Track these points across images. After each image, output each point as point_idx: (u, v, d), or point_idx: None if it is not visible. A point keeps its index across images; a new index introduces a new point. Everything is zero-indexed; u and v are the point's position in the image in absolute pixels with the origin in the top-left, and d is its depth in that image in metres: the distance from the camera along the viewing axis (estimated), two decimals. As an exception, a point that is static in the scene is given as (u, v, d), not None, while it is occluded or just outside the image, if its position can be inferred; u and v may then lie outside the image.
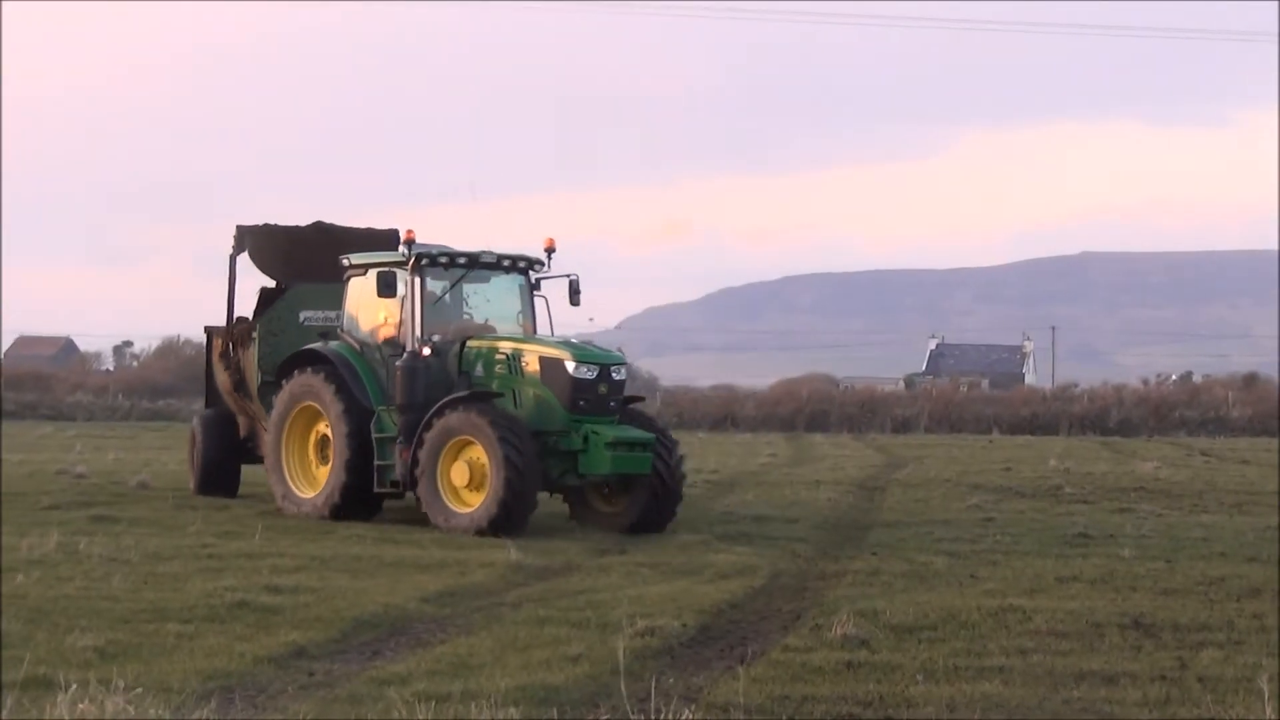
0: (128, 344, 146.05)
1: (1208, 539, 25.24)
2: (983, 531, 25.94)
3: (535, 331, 27.69)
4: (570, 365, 25.71)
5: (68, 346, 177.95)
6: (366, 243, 29.86)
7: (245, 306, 31.29)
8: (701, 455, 50.05)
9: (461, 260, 27.22)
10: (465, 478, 25.37)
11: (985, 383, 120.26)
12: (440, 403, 25.79)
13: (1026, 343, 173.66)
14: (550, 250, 28.00)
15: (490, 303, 28.18)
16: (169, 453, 47.09)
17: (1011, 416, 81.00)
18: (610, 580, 19.64)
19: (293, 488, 27.86)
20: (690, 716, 12.10)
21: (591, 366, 25.77)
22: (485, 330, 27.42)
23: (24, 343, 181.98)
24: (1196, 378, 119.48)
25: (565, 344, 26.40)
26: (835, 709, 12.62)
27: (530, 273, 27.92)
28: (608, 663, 13.70)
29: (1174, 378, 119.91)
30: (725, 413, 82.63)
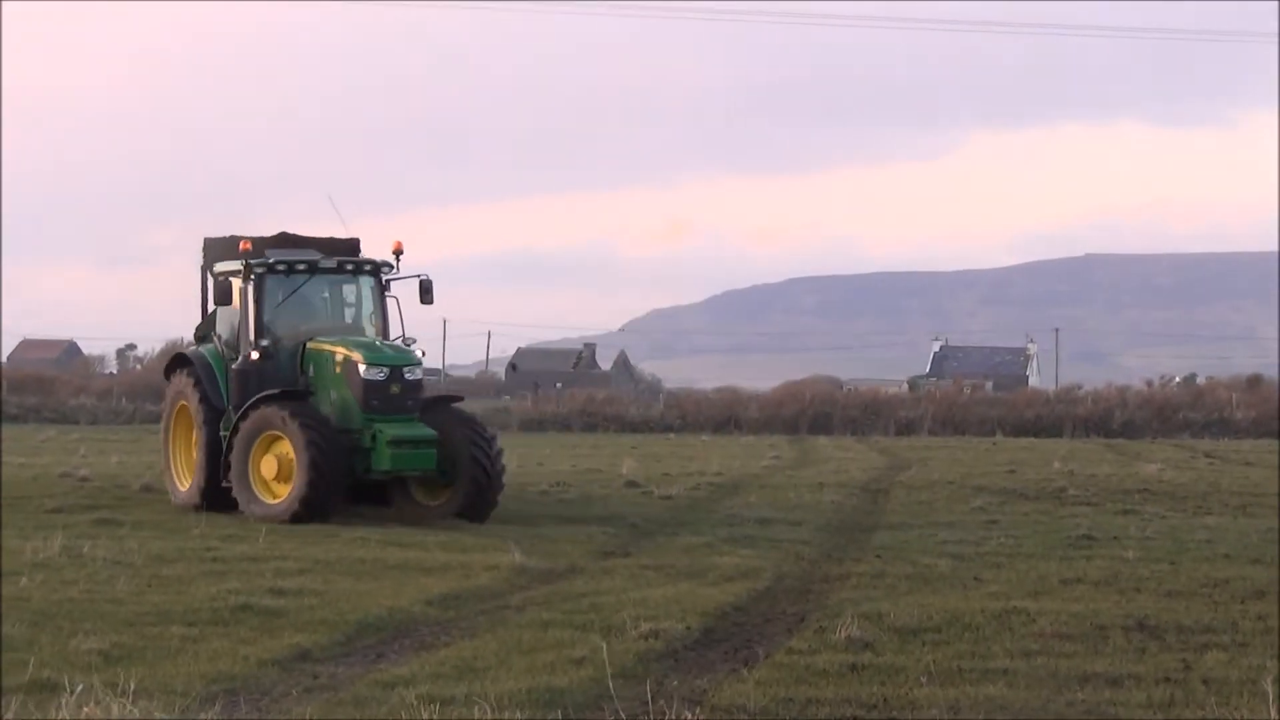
0: (131, 347, 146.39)
1: (1212, 541, 25.20)
2: (987, 534, 25.92)
3: (386, 331, 29.19)
4: (362, 367, 27.40)
5: (70, 349, 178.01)
6: (328, 250, 30.47)
7: None
8: (705, 458, 49.98)
9: (300, 266, 28.84)
10: (274, 470, 27.10)
11: (989, 385, 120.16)
12: (252, 399, 27.47)
13: (1030, 345, 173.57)
14: (398, 253, 29.44)
15: (359, 303, 29.70)
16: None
17: (1015, 418, 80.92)
18: (614, 583, 19.65)
19: (176, 481, 29.26)
20: (694, 719, 12.10)
21: (382, 368, 27.42)
22: (344, 331, 28.93)
23: (27, 346, 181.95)
24: (1200, 379, 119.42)
25: (362, 345, 27.98)
26: (839, 711, 12.62)
27: (379, 275, 29.31)
28: (612, 665, 13.70)
29: (1177, 379, 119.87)
30: (729, 415, 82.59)
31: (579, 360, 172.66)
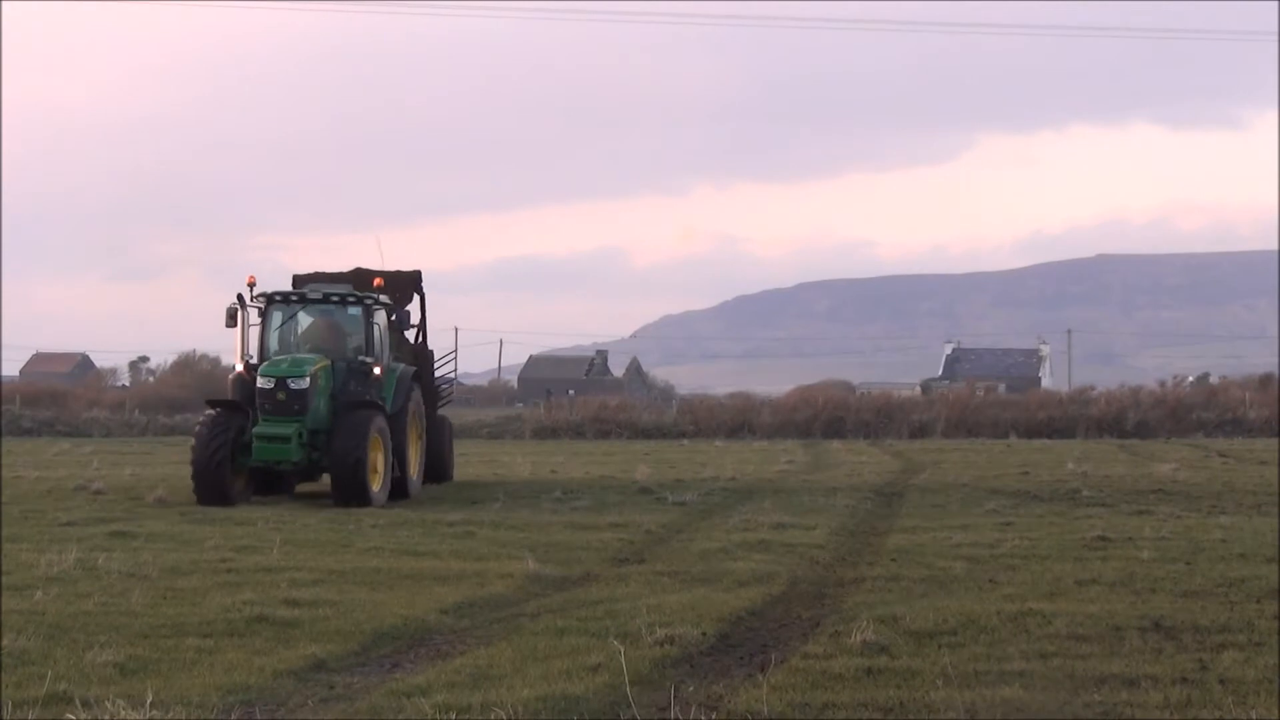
0: (143, 359, 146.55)
1: (1227, 540, 25.13)
2: (1001, 536, 25.86)
3: (369, 350, 34.67)
4: (259, 379, 33.23)
5: (83, 363, 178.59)
6: (393, 282, 36.96)
7: None
8: (718, 463, 49.94)
9: (294, 298, 35.12)
10: None
11: (1002, 387, 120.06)
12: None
13: (1042, 346, 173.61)
14: (380, 289, 35.43)
15: (355, 329, 35.14)
16: (186, 468, 47.08)
17: (1028, 420, 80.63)
18: (629, 589, 19.64)
19: None
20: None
21: (269, 379, 33.09)
22: (326, 352, 34.32)
23: (40, 359, 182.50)
24: (1214, 379, 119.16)
25: (272, 361, 33.70)
26: (856, 715, 12.61)
27: (364, 305, 34.83)
28: (628, 672, 13.68)
29: (1191, 379, 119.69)
30: (742, 420, 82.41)
31: (591, 367, 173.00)
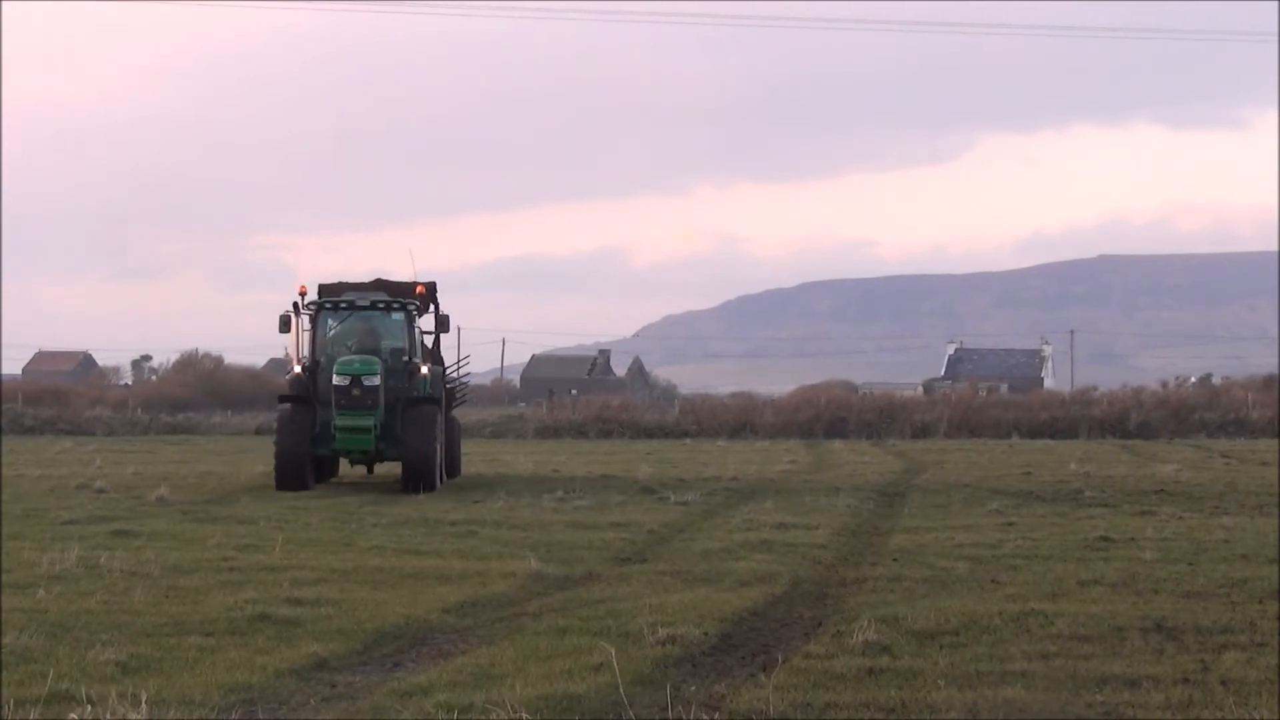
0: (146, 358, 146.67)
1: (1229, 541, 25.12)
2: (1003, 536, 25.85)
3: (412, 352, 38.19)
4: (334, 376, 36.60)
5: (86, 361, 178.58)
6: (409, 293, 39.07)
7: None
8: (721, 463, 49.93)
9: (343, 304, 38.37)
10: None
11: (1004, 387, 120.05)
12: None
13: (1045, 346, 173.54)
14: (420, 295, 39.22)
15: (396, 332, 38.58)
16: (188, 466, 47.14)
17: (1030, 420, 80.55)
18: (631, 589, 19.63)
19: None
20: (712, 725, 12.08)
21: (344, 376, 36.60)
22: (371, 352, 37.45)
23: (42, 358, 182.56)
24: (1216, 379, 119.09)
25: (341, 360, 36.87)
26: (858, 715, 12.60)
27: (407, 310, 38.35)
28: (630, 672, 13.69)
29: (1193, 380, 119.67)
30: (744, 420, 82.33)
31: (594, 366, 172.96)
